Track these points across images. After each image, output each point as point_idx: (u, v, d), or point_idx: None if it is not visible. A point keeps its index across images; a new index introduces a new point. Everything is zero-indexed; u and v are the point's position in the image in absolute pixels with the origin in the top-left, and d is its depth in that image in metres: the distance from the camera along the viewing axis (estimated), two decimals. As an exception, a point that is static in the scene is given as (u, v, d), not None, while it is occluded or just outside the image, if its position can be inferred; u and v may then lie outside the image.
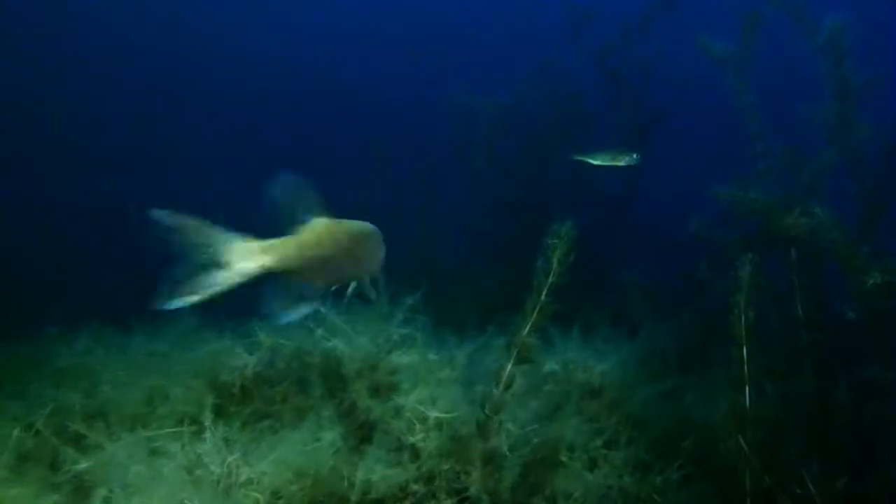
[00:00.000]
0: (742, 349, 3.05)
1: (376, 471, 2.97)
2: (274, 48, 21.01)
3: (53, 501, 2.76)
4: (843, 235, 3.83)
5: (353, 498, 2.91)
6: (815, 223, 3.90)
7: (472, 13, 21.93)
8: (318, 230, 2.04)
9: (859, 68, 4.44)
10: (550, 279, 2.84)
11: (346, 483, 2.91)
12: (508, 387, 2.86)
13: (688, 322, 4.95)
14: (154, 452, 2.89)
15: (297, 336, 3.57)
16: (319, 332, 3.51)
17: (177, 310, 1.82)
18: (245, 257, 1.89)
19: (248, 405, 3.38)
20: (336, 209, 2.13)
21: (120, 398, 3.31)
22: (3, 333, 3.95)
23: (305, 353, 3.53)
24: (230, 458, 2.77)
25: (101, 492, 2.70)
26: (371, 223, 2.26)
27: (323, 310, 3.48)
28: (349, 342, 3.48)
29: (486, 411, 2.92)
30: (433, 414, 3.19)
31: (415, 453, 3.13)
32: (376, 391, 3.39)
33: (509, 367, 2.87)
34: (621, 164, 4.88)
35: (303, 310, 2.01)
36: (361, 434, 3.23)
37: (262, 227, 1.99)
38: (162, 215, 1.80)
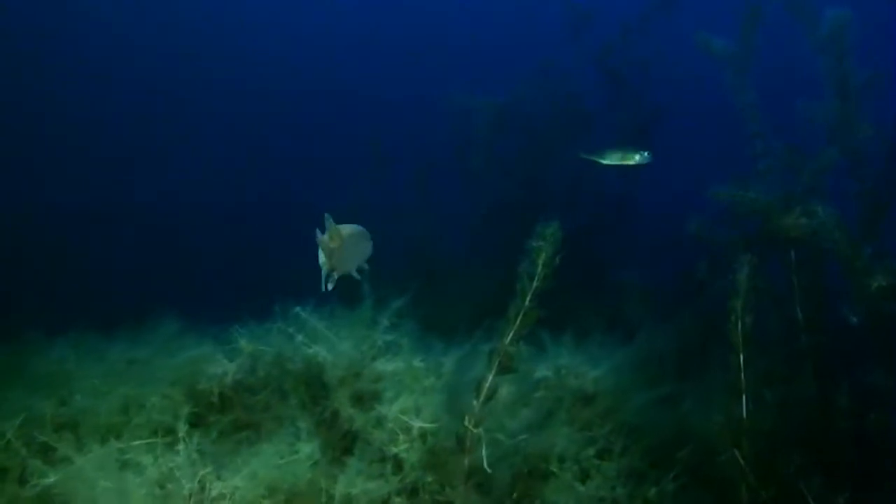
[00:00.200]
0: (739, 357, 2.93)
1: (357, 484, 2.85)
2: (273, 48, 20.93)
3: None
4: (846, 236, 3.73)
5: (333, 512, 2.79)
6: (816, 223, 3.81)
7: (472, 13, 21.83)
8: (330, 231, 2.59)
9: (860, 66, 4.36)
10: (535, 283, 2.72)
11: (324, 497, 2.80)
12: (490, 399, 2.73)
13: (686, 324, 4.83)
14: (126, 465, 2.78)
15: (278, 342, 3.46)
16: (300, 338, 3.39)
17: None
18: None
19: (227, 414, 3.27)
20: (335, 210, 2.54)
21: (94, 407, 3.18)
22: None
23: (286, 360, 3.42)
24: (203, 472, 2.65)
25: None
26: (361, 226, 2.72)
27: (304, 314, 3.38)
28: (332, 348, 3.36)
29: (467, 424, 2.80)
30: (417, 424, 3.08)
31: (398, 465, 3.02)
32: (359, 400, 3.27)
33: (490, 377, 2.74)
34: (632, 163, 4.71)
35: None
36: (343, 445, 3.12)
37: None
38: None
